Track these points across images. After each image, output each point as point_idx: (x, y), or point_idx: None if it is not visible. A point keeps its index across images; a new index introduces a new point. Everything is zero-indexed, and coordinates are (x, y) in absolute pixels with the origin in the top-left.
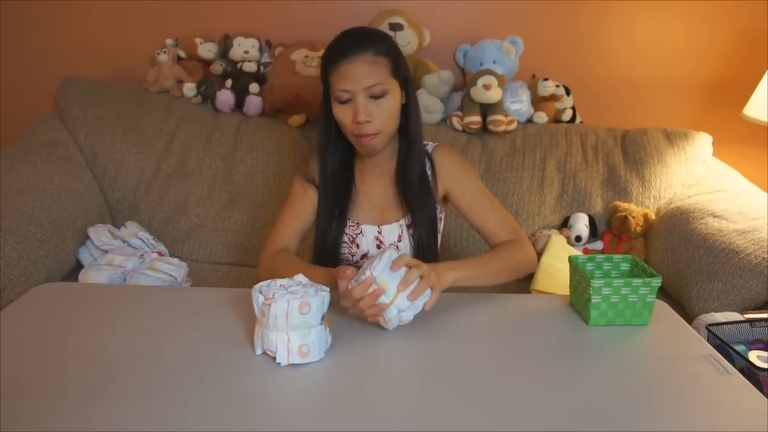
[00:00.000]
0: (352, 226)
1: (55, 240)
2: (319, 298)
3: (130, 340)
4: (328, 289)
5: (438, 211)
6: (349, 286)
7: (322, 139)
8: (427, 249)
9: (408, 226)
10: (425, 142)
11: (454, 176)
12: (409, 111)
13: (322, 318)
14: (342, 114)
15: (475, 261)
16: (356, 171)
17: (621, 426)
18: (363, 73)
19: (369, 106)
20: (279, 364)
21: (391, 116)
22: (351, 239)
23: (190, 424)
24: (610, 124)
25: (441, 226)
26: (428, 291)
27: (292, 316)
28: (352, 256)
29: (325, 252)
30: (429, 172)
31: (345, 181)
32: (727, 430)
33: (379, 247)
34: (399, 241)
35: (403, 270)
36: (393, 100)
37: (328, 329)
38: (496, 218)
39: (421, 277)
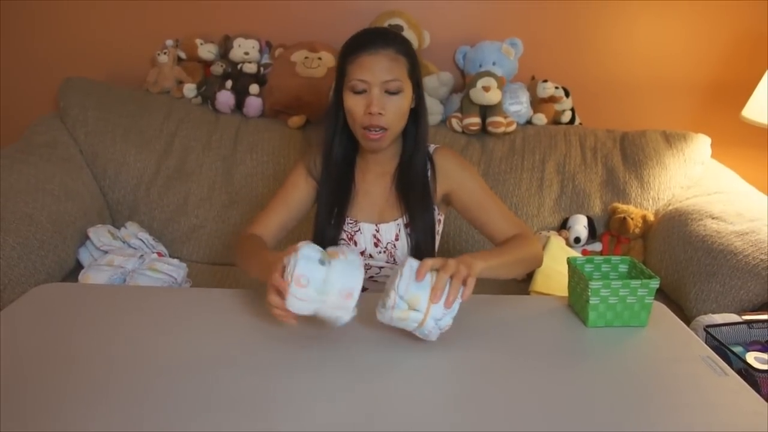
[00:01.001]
0: (351, 223)
1: (55, 240)
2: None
3: (129, 340)
4: (298, 246)
5: (436, 213)
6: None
7: (328, 130)
8: (424, 250)
9: (406, 225)
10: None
11: (455, 176)
12: (419, 115)
13: (322, 262)
14: (354, 104)
15: (493, 252)
16: (357, 169)
17: (619, 427)
18: (383, 67)
19: (383, 100)
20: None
21: (401, 114)
22: (349, 236)
23: (189, 424)
24: (609, 126)
25: (440, 228)
26: (461, 288)
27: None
28: None
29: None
30: (428, 174)
31: (345, 179)
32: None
33: (376, 245)
34: (396, 240)
35: (429, 277)
36: (405, 100)
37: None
38: (500, 215)
39: (452, 277)
